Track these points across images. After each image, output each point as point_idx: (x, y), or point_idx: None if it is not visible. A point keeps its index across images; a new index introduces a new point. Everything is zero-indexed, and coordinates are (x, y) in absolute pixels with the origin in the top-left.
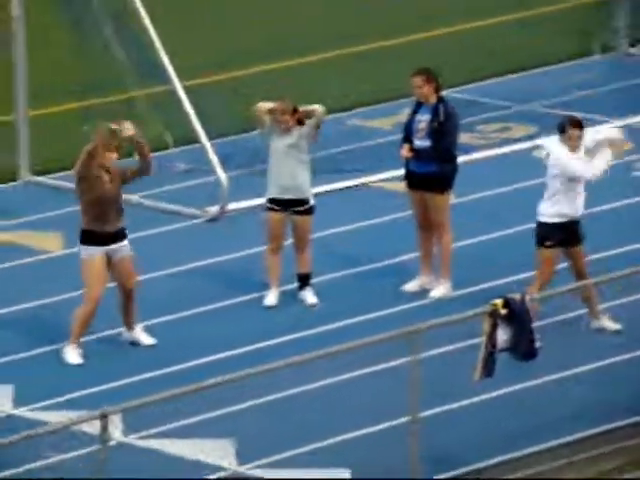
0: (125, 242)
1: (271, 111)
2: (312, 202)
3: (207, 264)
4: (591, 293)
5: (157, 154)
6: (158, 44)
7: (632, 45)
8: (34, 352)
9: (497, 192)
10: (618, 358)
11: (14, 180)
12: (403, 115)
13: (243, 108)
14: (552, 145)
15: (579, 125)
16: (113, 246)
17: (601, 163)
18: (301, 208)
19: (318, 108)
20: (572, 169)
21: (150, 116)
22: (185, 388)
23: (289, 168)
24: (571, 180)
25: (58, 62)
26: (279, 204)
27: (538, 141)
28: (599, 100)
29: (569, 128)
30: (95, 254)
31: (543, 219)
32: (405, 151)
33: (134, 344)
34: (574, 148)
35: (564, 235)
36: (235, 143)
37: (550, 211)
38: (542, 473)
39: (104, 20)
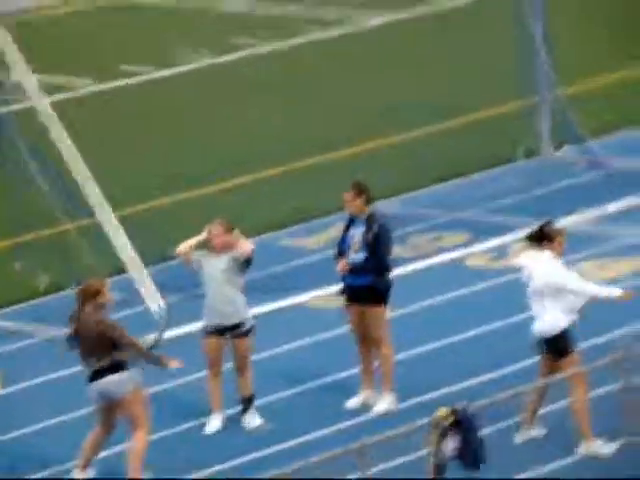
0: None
1: (201, 243)
2: (251, 323)
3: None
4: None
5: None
6: (85, 175)
7: (556, 148)
8: None
9: (432, 302)
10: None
11: None
12: (334, 231)
13: (176, 233)
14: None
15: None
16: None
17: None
18: (239, 331)
19: (246, 248)
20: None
21: (81, 248)
22: None
23: (225, 293)
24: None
25: None
26: (217, 329)
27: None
28: (526, 204)
29: (556, 234)
30: None
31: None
32: (341, 266)
33: None
34: (560, 255)
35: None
36: (168, 269)
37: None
38: None
39: (28, 157)
